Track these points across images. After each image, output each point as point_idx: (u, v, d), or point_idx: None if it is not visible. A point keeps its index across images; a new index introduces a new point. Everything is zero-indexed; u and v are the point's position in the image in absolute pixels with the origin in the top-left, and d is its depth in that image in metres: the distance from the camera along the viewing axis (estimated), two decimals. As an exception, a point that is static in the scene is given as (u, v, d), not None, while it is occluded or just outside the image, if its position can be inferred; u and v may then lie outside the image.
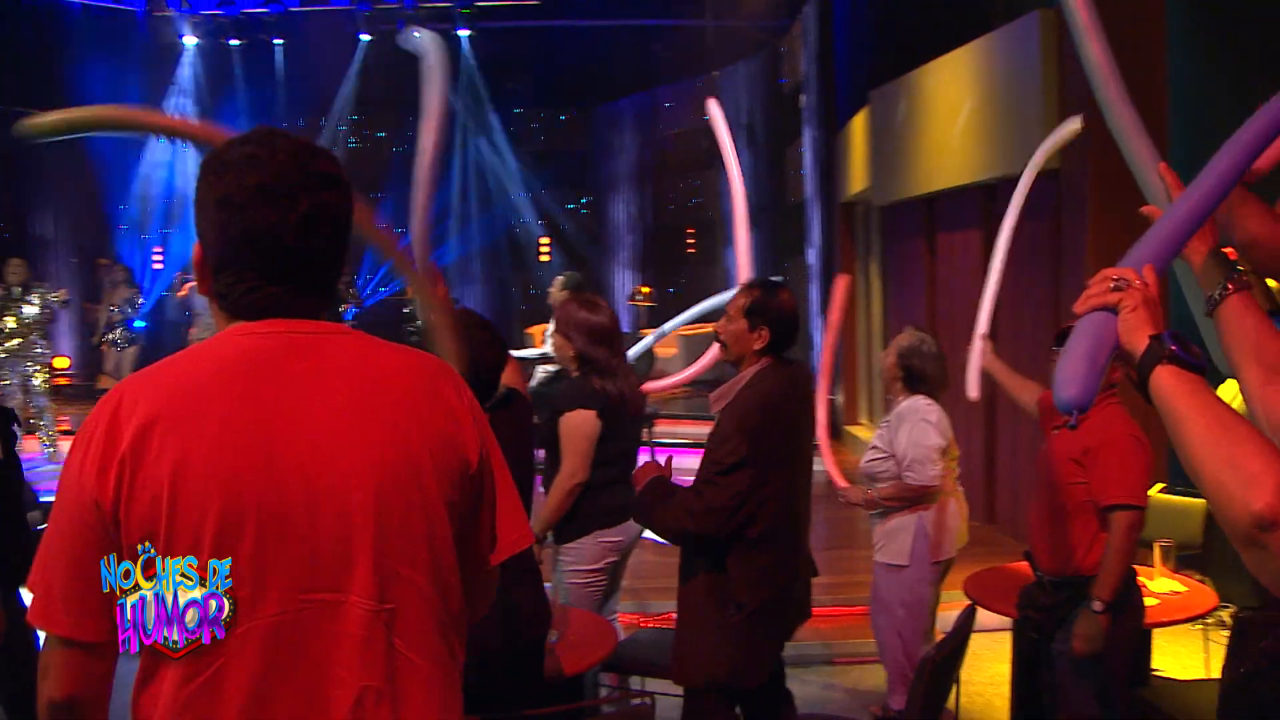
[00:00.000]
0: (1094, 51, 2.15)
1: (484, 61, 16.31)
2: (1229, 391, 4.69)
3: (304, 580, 1.40)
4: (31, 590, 1.45)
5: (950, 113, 7.69)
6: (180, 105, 15.88)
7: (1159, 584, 4.26)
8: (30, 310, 9.15)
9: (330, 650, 1.40)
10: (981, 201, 7.55)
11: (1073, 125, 4.68)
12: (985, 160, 7.25)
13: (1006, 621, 4.32)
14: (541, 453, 4.11)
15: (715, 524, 3.22)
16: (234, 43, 16.08)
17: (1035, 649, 3.84)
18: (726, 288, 16.07)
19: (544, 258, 17.25)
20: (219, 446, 1.39)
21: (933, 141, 8.03)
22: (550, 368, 8.30)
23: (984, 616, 4.67)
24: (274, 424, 1.42)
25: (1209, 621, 4.83)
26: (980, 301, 4.93)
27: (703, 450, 3.37)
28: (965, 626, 3.40)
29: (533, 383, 8.16)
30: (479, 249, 17.31)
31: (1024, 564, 4.68)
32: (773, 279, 3.97)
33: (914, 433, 4.31)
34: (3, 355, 9.13)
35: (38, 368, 9.36)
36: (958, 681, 3.59)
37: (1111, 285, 1.47)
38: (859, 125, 10.12)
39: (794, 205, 13.82)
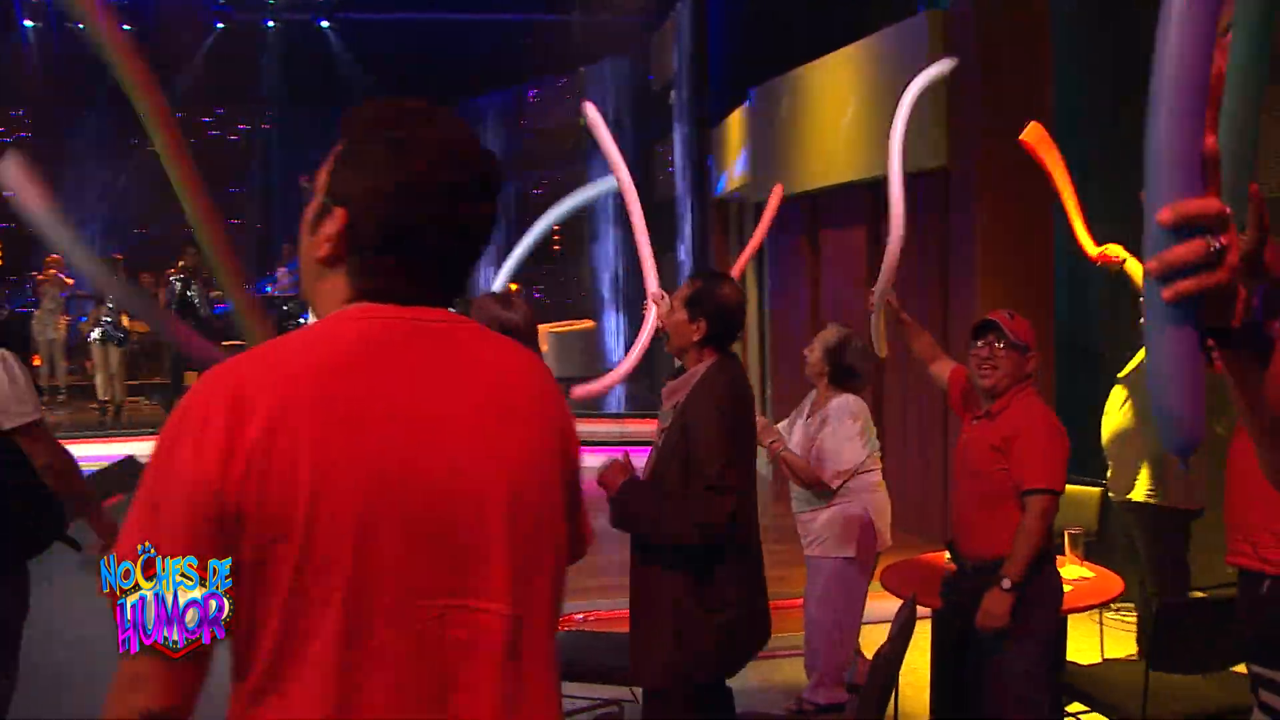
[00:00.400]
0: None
1: (345, 53, 15.95)
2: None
3: (445, 585, 1.33)
4: None
5: (836, 110, 7.80)
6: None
7: (1069, 570, 4.36)
8: None
9: (468, 658, 1.34)
10: (867, 199, 7.67)
11: (944, 66, 4.71)
12: (872, 158, 7.35)
13: (922, 611, 4.37)
14: None
15: (721, 534, 3.18)
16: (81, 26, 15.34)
17: (959, 636, 3.89)
18: (593, 284, 16.15)
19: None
20: (357, 441, 1.30)
21: (817, 138, 8.12)
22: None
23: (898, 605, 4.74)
24: (412, 418, 1.34)
25: (1114, 608, 4.99)
26: (876, 282, 4.84)
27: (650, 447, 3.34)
28: (911, 619, 3.42)
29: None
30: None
31: (937, 555, 4.77)
32: (717, 272, 3.94)
33: (839, 430, 4.36)
34: None
35: None
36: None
37: (1210, 248, 1.03)
38: (736, 122, 10.19)
39: (662, 202, 13.86)
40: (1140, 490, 4.89)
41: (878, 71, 7.27)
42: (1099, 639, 5.21)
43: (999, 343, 3.69)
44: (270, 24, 16.09)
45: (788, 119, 8.62)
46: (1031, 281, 6.35)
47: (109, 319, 12.44)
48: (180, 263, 12.70)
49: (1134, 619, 5.42)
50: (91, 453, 10.41)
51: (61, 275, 13.35)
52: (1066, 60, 6.42)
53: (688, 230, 12.42)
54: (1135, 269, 4.55)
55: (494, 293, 4.34)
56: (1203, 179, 1.04)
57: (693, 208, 12.29)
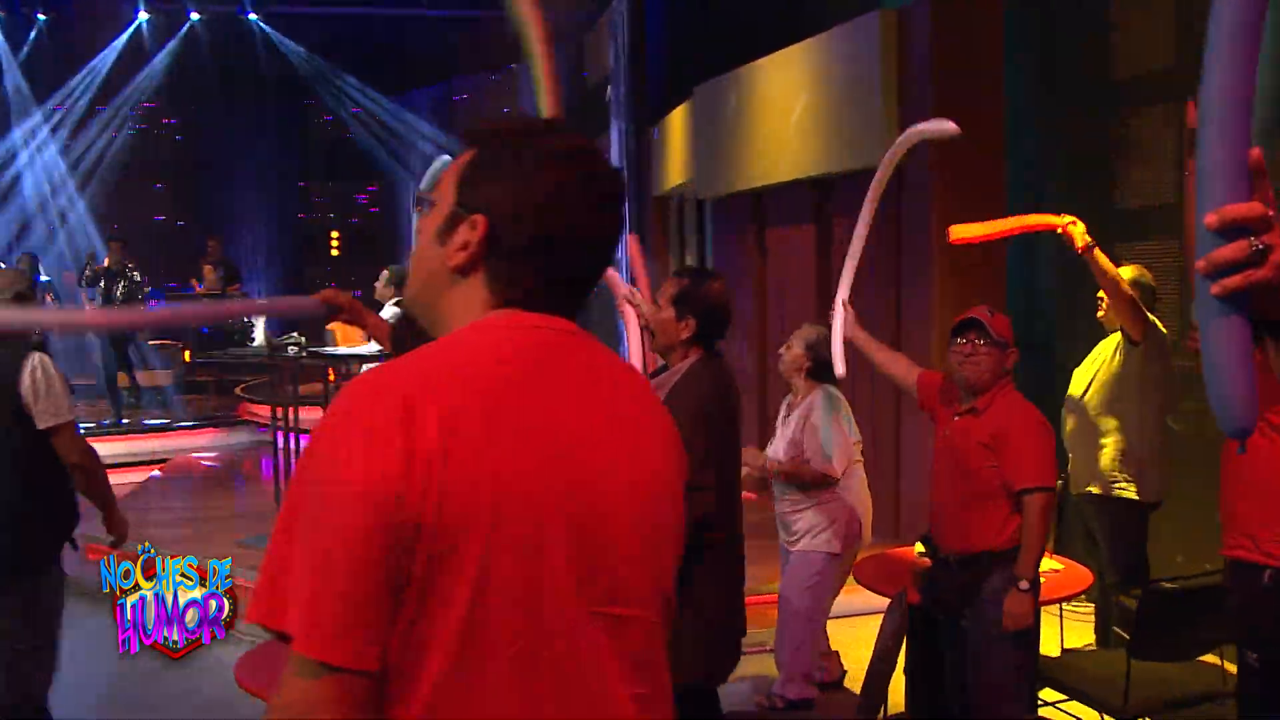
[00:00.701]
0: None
1: (275, 48, 15.70)
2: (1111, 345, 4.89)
3: (599, 594, 1.34)
4: (290, 609, 1.21)
5: (784, 108, 7.83)
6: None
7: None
8: None
9: (615, 665, 1.35)
10: (815, 197, 7.72)
11: (947, 128, 4.63)
12: (820, 156, 7.41)
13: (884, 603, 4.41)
14: None
15: (699, 533, 3.15)
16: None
17: (936, 629, 3.93)
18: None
19: (334, 251, 16.76)
20: (527, 449, 1.30)
21: (765, 136, 8.15)
22: (371, 367, 8.06)
23: (868, 599, 4.77)
24: (569, 427, 1.36)
25: (1081, 599, 5.07)
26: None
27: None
28: (905, 615, 3.44)
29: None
30: (267, 243, 16.65)
31: (905, 550, 4.81)
32: (704, 268, 3.93)
33: (830, 419, 4.38)
34: None
35: None
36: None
37: (1254, 248, 1.14)
38: (678, 119, 10.20)
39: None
40: (1099, 482, 4.97)
41: (828, 70, 7.32)
42: (1058, 630, 5.30)
43: (980, 340, 3.75)
44: (195, 16, 15.75)
45: (734, 116, 8.65)
46: (985, 276, 6.43)
47: None
48: (106, 262, 12.42)
49: (1088, 609, 5.51)
50: None
51: None
52: (1018, 58, 6.51)
53: (625, 227, 12.43)
54: (1101, 258, 4.61)
55: None
56: (1248, 185, 1.14)
57: (631, 204, 12.28)
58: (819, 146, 7.43)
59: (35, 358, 3.81)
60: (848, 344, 4.43)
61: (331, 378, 10.63)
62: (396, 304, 8.21)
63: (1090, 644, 5.20)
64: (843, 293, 4.52)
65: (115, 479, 9.65)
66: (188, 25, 15.73)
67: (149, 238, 15.11)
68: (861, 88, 6.86)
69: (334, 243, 17.00)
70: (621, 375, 1.48)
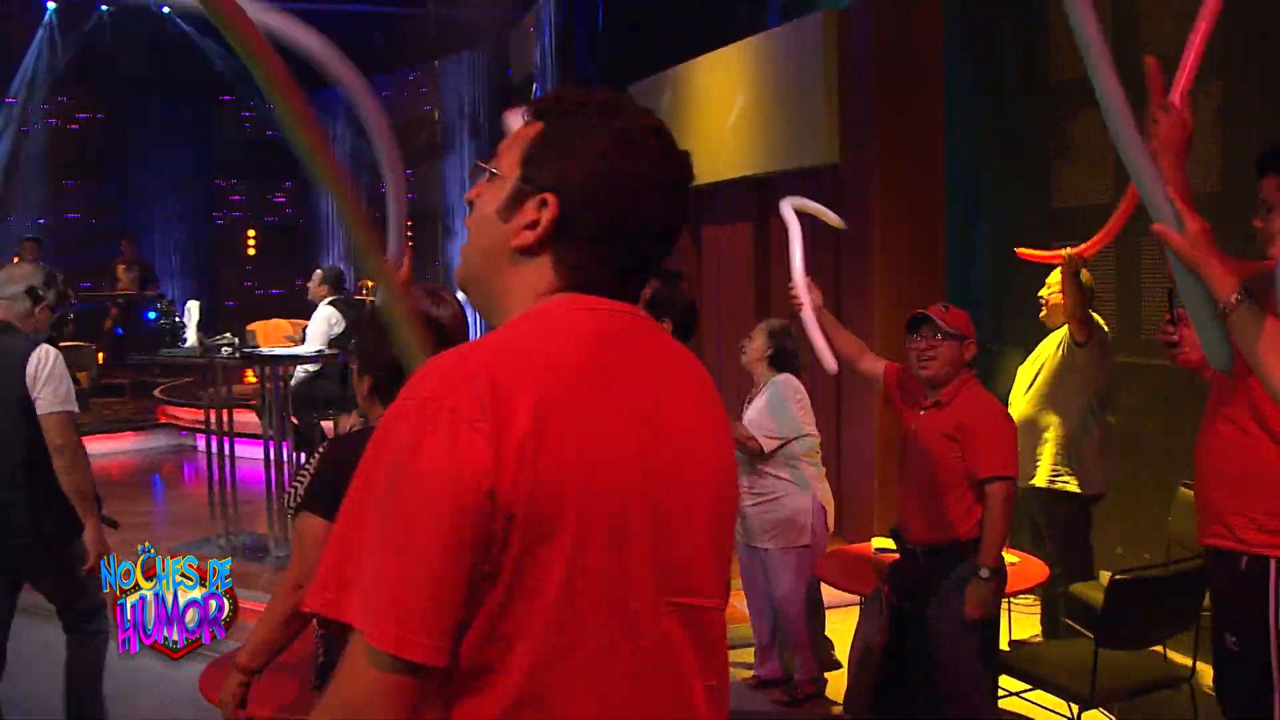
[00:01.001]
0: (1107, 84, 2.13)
1: (184, 41, 15.35)
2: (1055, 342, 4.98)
3: (676, 583, 1.31)
4: (357, 600, 1.16)
5: (723, 107, 7.86)
6: None
7: (996, 556, 4.52)
8: None
9: (690, 656, 1.32)
10: (753, 195, 7.76)
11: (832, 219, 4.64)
12: (760, 155, 7.46)
13: (850, 599, 4.46)
14: None
15: None
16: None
17: (902, 618, 3.98)
18: (448, 281, 15.88)
19: (250, 251, 16.46)
20: (612, 436, 1.27)
21: (702, 135, 8.18)
22: (310, 367, 7.92)
23: (828, 594, 4.83)
24: (648, 413, 1.32)
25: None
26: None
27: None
28: (884, 610, 3.48)
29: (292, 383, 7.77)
30: (180, 240, 16.29)
31: (863, 546, 4.88)
32: (670, 270, 3.92)
33: (775, 401, 4.46)
34: None
35: None
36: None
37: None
38: (610, 118, 10.19)
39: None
40: (1043, 476, 5.08)
41: (768, 69, 7.37)
42: (1006, 622, 5.39)
43: (935, 334, 3.81)
44: (104, 8, 15.33)
45: (670, 115, 8.66)
46: (925, 275, 6.52)
47: None
48: (15, 259, 12.01)
49: (1030, 600, 5.61)
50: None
51: None
52: (958, 58, 6.62)
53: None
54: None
55: (427, 286, 4.20)
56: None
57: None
58: (759, 145, 7.48)
59: (43, 348, 4.01)
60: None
61: (252, 379, 10.42)
62: (331, 303, 8.09)
63: (1036, 635, 5.30)
64: (799, 273, 4.37)
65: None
66: (95, 16, 15.32)
67: (61, 237, 14.70)
68: (803, 87, 6.92)
69: (250, 243, 16.68)
70: (685, 360, 1.44)
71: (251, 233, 16.69)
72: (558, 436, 1.20)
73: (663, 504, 1.30)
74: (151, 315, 13.89)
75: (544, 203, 1.33)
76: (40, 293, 4.16)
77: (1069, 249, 4.73)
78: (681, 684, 1.31)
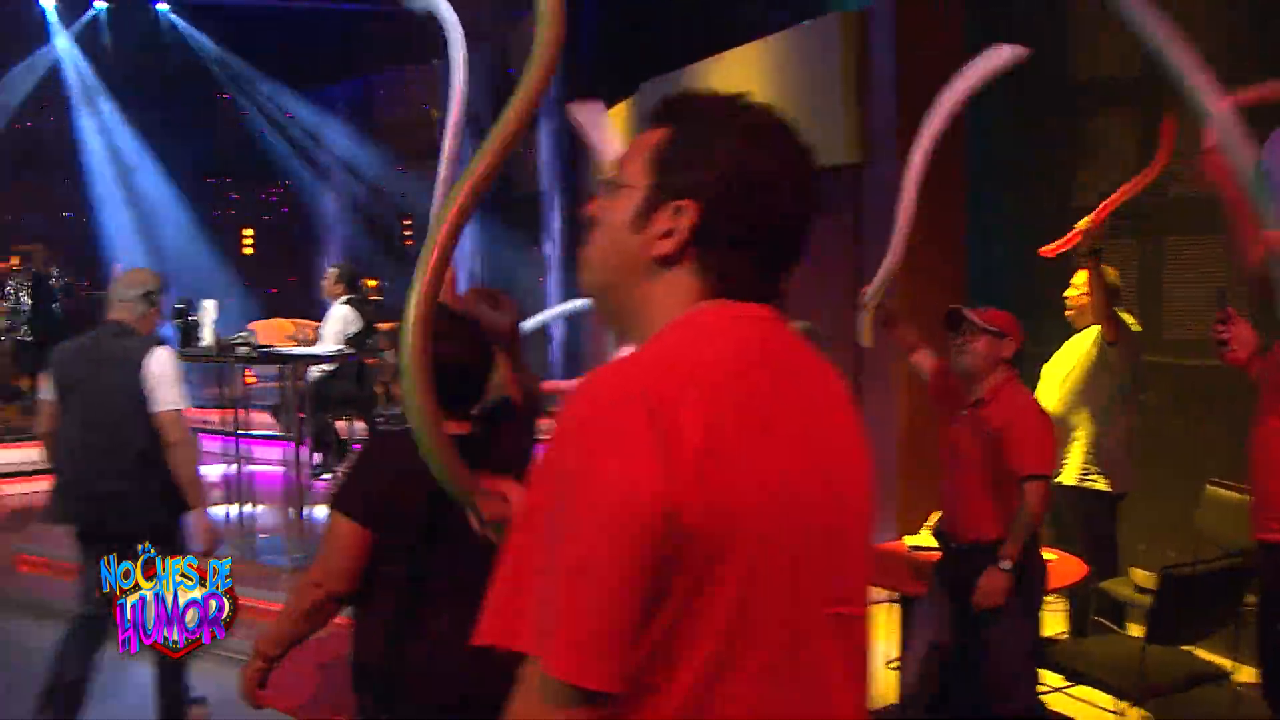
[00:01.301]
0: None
1: (186, 41, 15.31)
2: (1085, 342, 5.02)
3: (835, 593, 1.29)
4: (533, 628, 1.14)
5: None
6: None
7: (1034, 554, 4.55)
8: None
9: (841, 667, 1.30)
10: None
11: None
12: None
13: (883, 595, 4.48)
14: None
15: None
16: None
17: (947, 615, 4.01)
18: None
19: (247, 250, 16.41)
20: (780, 450, 1.24)
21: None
22: (326, 366, 7.90)
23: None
24: (814, 422, 1.30)
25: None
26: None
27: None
28: (947, 612, 3.50)
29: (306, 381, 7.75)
30: (175, 240, 16.21)
31: (895, 544, 4.90)
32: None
33: None
34: None
35: None
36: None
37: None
38: (619, 117, 10.19)
39: (526, 196, 13.74)
40: (1072, 475, 5.12)
41: (785, 70, 7.38)
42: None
43: (969, 329, 3.88)
44: (100, 7, 15.26)
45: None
46: (945, 276, 6.55)
47: None
48: (15, 261, 11.96)
49: (1053, 598, 5.64)
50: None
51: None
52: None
53: (555, 225, 12.39)
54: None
55: (483, 291, 4.18)
56: None
57: (560, 202, 12.26)
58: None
59: (160, 349, 4.34)
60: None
61: (251, 380, 10.37)
62: (347, 302, 8.08)
63: (1063, 632, 5.34)
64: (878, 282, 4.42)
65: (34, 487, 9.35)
66: (90, 14, 15.26)
67: (60, 236, 14.64)
68: (821, 88, 6.94)
69: (246, 242, 16.64)
70: (822, 365, 1.40)
71: (248, 231, 16.64)
72: (728, 453, 1.18)
73: (825, 514, 1.28)
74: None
75: (679, 209, 1.30)
76: (155, 297, 4.45)
77: (1083, 221, 4.79)
78: (836, 699, 1.29)
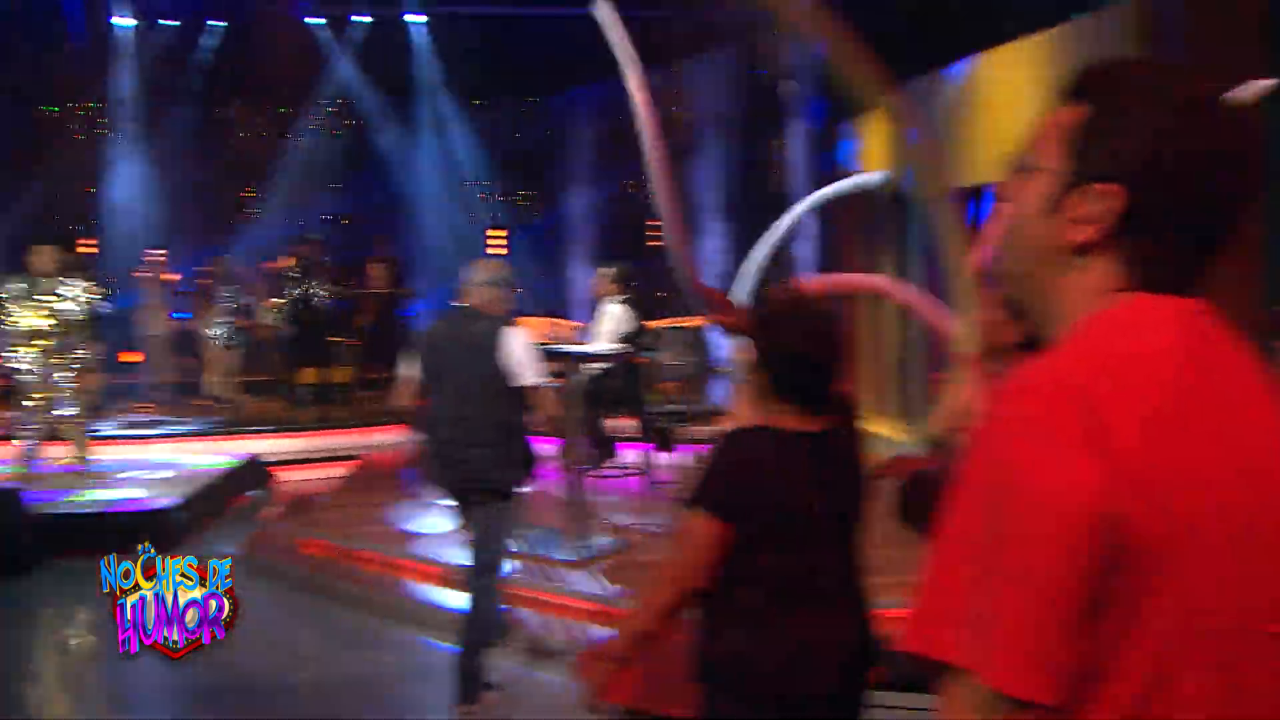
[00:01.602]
0: None
1: (437, 49, 16.02)
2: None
3: (1275, 610, 1.17)
4: (973, 640, 1.10)
5: (1015, 103, 7.71)
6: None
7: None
8: (67, 307, 8.43)
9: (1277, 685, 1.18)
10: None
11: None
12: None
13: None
14: None
15: None
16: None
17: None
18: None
19: (501, 250, 16.92)
20: (1224, 453, 1.16)
21: (990, 131, 8.04)
22: (599, 365, 7.99)
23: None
24: (1253, 426, 1.19)
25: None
26: None
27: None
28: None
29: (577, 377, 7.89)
30: (434, 241, 16.89)
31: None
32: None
33: None
34: (34, 354, 8.40)
35: (70, 373, 8.51)
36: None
37: None
38: (882, 114, 10.08)
39: (772, 196, 13.73)
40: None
41: (1065, 64, 7.15)
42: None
43: None
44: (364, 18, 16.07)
45: (953, 113, 8.52)
46: (1238, 269, 6.23)
47: (226, 320, 12.39)
48: (293, 259, 12.60)
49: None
50: (209, 451, 10.44)
51: (162, 272, 13.32)
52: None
53: (813, 227, 12.40)
54: None
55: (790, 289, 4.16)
56: None
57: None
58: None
59: (515, 330, 4.81)
60: None
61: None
62: (622, 302, 8.16)
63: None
64: None
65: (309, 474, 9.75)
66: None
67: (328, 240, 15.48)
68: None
69: (494, 243, 17.20)
70: (1252, 359, 1.26)
71: (498, 233, 17.17)
72: (1165, 456, 1.12)
73: (1264, 523, 1.17)
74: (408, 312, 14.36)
75: (1100, 194, 1.21)
76: (504, 283, 4.89)
77: None
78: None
